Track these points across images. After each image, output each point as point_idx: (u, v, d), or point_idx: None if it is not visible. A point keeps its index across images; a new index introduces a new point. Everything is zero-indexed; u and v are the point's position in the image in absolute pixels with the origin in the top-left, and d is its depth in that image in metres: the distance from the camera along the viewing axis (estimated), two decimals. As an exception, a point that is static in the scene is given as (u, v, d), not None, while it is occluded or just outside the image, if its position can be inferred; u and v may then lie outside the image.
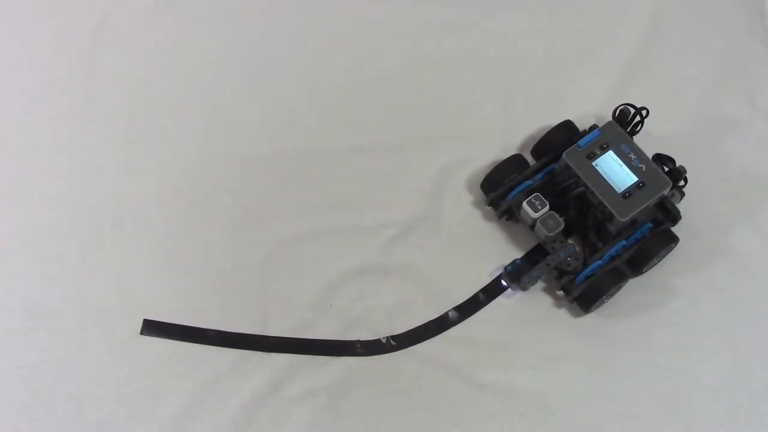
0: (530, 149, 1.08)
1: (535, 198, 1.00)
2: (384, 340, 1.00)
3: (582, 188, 0.99)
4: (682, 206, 1.02)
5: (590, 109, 1.15)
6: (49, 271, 1.03)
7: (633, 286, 1.02)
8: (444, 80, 1.18)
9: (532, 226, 1.02)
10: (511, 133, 1.14)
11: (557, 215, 0.99)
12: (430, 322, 1.01)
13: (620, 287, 0.99)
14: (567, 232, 1.02)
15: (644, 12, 1.23)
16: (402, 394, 0.97)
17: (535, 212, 0.99)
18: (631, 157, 0.99)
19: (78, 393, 0.96)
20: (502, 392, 0.97)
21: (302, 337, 1.00)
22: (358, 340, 1.00)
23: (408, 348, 1.00)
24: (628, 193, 0.97)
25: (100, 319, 1.00)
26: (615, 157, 0.99)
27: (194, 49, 1.20)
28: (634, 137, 1.05)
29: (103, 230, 1.06)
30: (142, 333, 1.00)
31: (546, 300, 1.02)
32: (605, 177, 0.98)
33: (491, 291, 1.02)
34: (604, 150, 1.00)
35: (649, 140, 1.05)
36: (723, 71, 1.19)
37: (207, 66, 1.18)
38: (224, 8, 1.23)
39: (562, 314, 1.01)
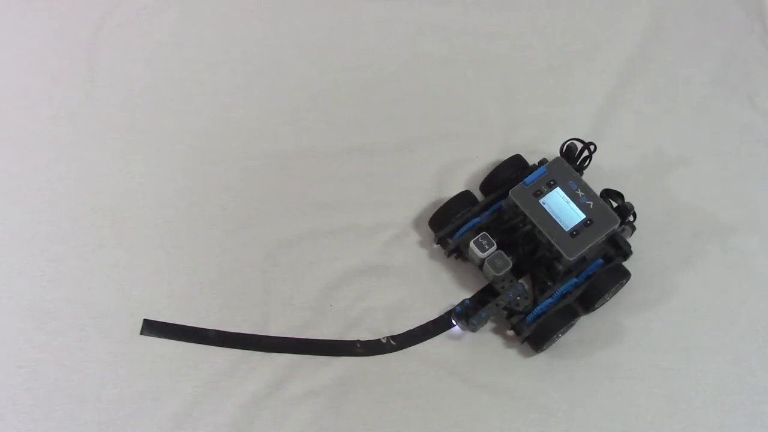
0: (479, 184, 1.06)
1: (482, 237, 0.97)
2: (384, 340, 1.00)
3: (530, 226, 0.96)
4: (633, 241, 1.01)
5: (590, 110, 1.16)
6: (49, 271, 1.03)
7: (632, 292, 1.03)
8: (444, 80, 1.18)
9: (481, 266, 1.00)
10: (511, 133, 1.14)
11: (505, 255, 0.97)
12: (430, 322, 1.01)
13: (571, 325, 0.98)
14: (518, 270, 1.00)
15: (644, 12, 1.24)
16: (402, 394, 0.97)
17: (483, 252, 0.97)
18: (578, 193, 0.97)
19: (78, 393, 0.96)
20: (502, 392, 0.97)
21: (302, 337, 1.00)
22: (358, 340, 1.00)
23: (408, 348, 1.00)
24: (576, 231, 0.94)
25: (100, 319, 1.00)
26: (562, 194, 0.97)
27: (194, 49, 1.20)
28: (584, 171, 1.03)
29: (103, 230, 1.06)
30: (142, 333, 1.00)
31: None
32: (552, 215, 0.95)
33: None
34: (551, 187, 0.97)
35: (599, 174, 1.05)
36: (723, 71, 1.19)
37: (207, 66, 1.18)
38: (224, 8, 1.23)
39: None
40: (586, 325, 1.00)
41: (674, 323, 1.01)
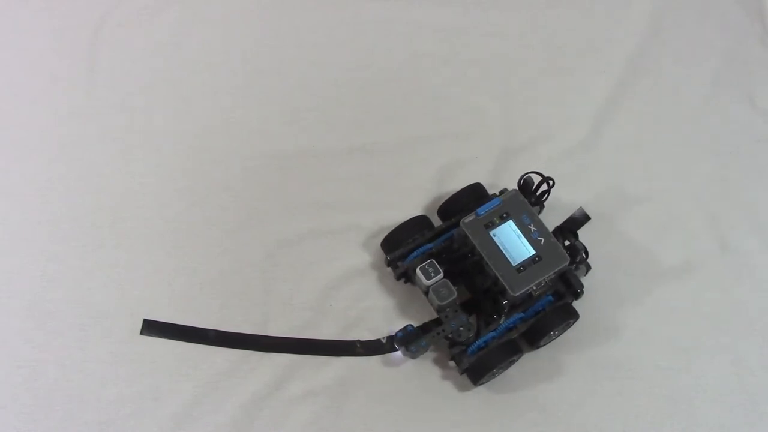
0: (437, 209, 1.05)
1: (429, 265, 0.96)
2: (384, 340, 1.00)
3: (478, 257, 0.94)
4: (587, 280, 0.99)
5: (590, 110, 1.16)
6: (49, 271, 1.03)
7: (630, 291, 1.02)
8: (444, 80, 1.18)
9: (426, 293, 0.98)
10: (511, 133, 1.14)
11: (450, 284, 0.95)
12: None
13: (513, 362, 0.96)
14: (470, 302, 0.98)
15: (644, 12, 1.24)
16: (402, 394, 0.97)
17: (428, 279, 0.95)
18: (530, 228, 0.94)
19: (78, 393, 0.96)
20: (502, 392, 0.97)
21: (302, 337, 1.00)
22: (358, 340, 1.00)
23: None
24: (523, 266, 0.92)
25: (100, 319, 1.00)
26: (514, 227, 0.94)
27: (194, 49, 1.20)
28: (544, 204, 1.02)
29: (103, 230, 1.06)
30: (142, 333, 1.00)
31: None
32: (501, 248, 0.93)
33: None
34: (503, 220, 0.94)
35: (557, 207, 1.03)
36: (723, 71, 1.19)
37: (207, 66, 1.18)
38: (224, 8, 1.23)
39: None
40: (586, 325, 1.00)
41: (674, 323, 1.01)
